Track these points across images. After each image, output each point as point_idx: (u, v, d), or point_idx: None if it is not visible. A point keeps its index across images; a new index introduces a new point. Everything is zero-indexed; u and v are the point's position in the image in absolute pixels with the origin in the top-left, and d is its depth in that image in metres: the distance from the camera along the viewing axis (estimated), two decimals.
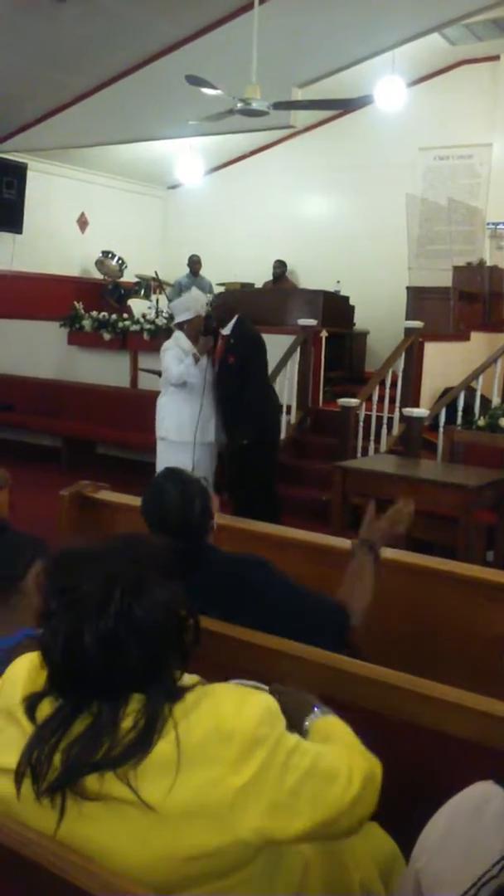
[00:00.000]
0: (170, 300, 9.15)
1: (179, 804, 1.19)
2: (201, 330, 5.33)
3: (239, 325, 5.44)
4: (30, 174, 9.44)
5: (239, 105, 5.56)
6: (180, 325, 5.52)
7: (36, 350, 8.89)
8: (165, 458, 5.35)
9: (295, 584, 2.28)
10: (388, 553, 3.16)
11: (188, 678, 1.33)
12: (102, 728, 1.22)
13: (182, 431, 5.42)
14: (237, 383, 5.34)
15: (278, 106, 5.74)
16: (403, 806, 1.54)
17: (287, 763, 1.25)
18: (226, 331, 5.36)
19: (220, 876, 1.23)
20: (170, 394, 5.49)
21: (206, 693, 1.27)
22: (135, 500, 3.62)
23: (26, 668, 1.34)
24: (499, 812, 1.06)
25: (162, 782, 1.19)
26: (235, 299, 6.20)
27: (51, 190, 10.08)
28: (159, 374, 6.42)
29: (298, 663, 2.02)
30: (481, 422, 6.49)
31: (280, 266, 10.19)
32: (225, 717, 1.23)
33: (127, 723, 1.22)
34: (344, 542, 3.27)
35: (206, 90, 5.58)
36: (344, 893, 1.48)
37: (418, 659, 2.46)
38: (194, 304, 5.55)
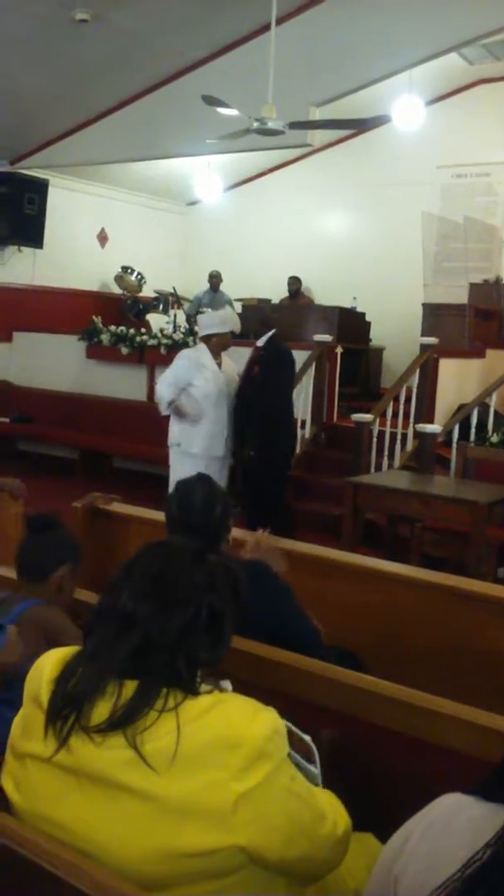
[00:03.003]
0: (188, 315, 9.28)
1: (181, 798, 1.23)
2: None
3: (272, 339, 5.60)
4: (51, 190, 9.57)
5: (255, 124, 5.63)
6: (208, 338, 5.57)
7: (55, 363, 9.01)
8: (176, 466, 5.41)
9: (292, 601, 2.33)
10: (399, 569, 3.19)
11: (205, 687, 1.38)
12: (109, 674, 1.31)
13: (191, 442, 5.48)
14: (257, 395, 5.43)
15: (294, 126, 5.81)
16: (399, 818, 1.57)
17: (289, 787, 1.30)
18: (259, 342, 5.57)
19: (215, 877, 1.26)
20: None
21: (221, 700, 1.32)
22: (146, 512, 3.69)
23: (52, 662, 1.40)
24: (468, 820, 1.08)
25: (166, 773, 1.23)
26: (275, 315, 6.25)
27: (71, 206, 10.21)
28: None
29: (300, 675, 2.05)
30: (494, 438, 6.51)
31: (295, 282, 10.25)
32: (236, 725, 1.27)
33: (131, 687, 1.30)
34: (351, 557, 3.31)
35: (221, 110, 5.66)
36: None
37: (424, 673, 2.48)
38: (230, 321, 5.60)
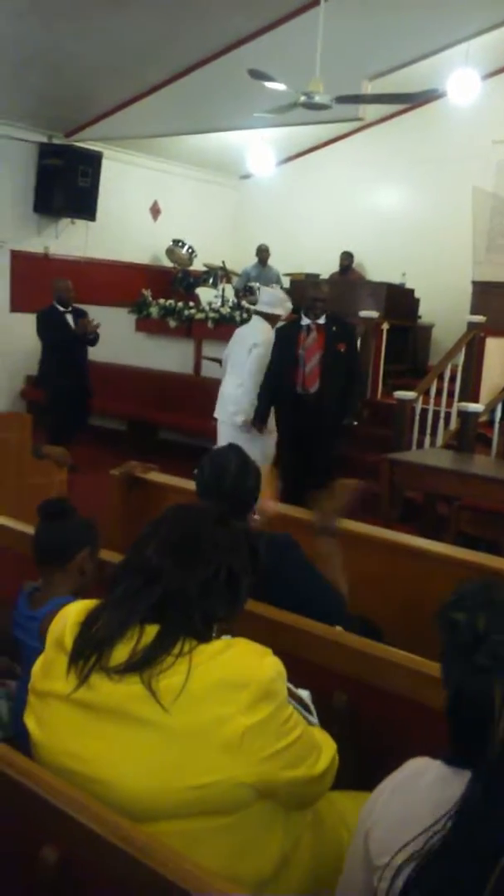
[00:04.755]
0: (236, 289, 9.31)
1: (191, 729, 1.33)
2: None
3: (336, 316, 5.56)
4: (105, 163, 9.64)
5: (302, 98, 5.61)
6: (266, 315, 5.66)
7: (105, 335, 9.11)
8: (252, 443, 5.44)
9: (315, 572, 2.39)
10: (426, 544, 3.22)
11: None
12: (130, 622, 1.42)
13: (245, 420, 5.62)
14: (346, 369, 5.46)
15: (342, 99, 5.78)
16: None
17: (288, 721, 1.42)
18: (320, 321, 5.38)
19: (218, 813, 1.35)
20: (244, 384, 5.62)
21: (231, 644, 1.43)
22: (181, 482, 3.76)
23: (77, 609, 1.52)
24: (431, 782, 1.14)
25: (176, 706, 1.33)
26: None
27: (124, 178, 10.28)
28: (219, 361, 6.57)
29: (315, 640, 2.11)
30: None
31: (347, 258, 10.20)
32: (245, 667, 1.39)
33: (151, 633, 1.40)
34: (379, 531, 3.34)
35: (267, 84, 5.66)
36: (334, 855, 1.58)
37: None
38: (281, 305, 5.72)
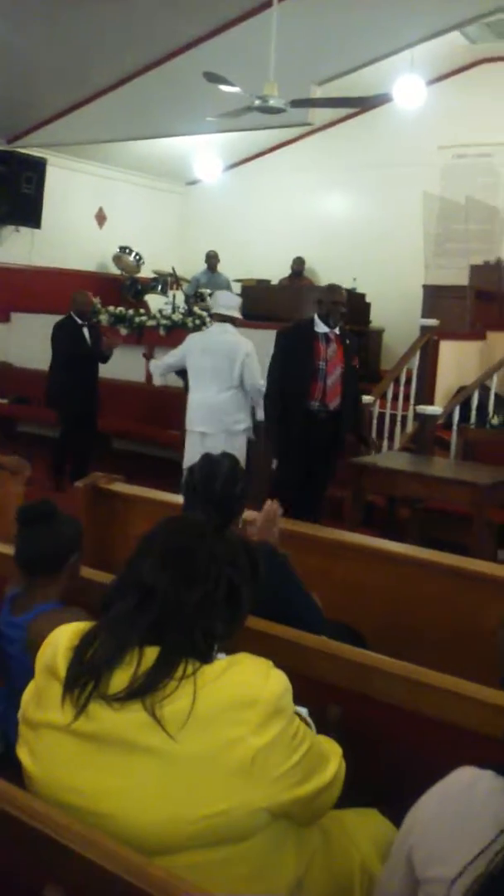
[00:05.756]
0: (187, 296, 9.23)
1: (200, 756, 1.26)
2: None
3: (343, 327, 5.21)
4: (49, 169, 9.50)
5: (256, 102, 5.59)
6: (233, 320, 5.55)
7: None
8: (241, 449, 5.45)
9: (297, 583, 2.35)
10: (404, 549, 3.20)
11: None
12: (127, 645, 1.34)
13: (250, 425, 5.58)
14: (356, 384, 5.24)
15: (296, 103, 5.76)
16: (401, 792, 1.58)
17: (296, 735, 1.36)
18: (336, 331, 4.97)
19: (229, 842, 1.28)
20: (240, 391, 5.49)
21: (234, 661, 1.36)
22: (148, 492, 3.69)
23: (69, 633, 1.42)
24: (487, 792, 1.11)
25: (184, 733, 1.26)
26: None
27: (69, 185, 10.14)
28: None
29: (305, 652, 2.05)
30: (495, 420, 6.51)
31: (298, 263, 10.22)
32: (251, 684, 1.32)
33: (151, 656, 1.32)
34: (357, 538, 3.31)
35: (223, 87, 5.61)
36: (346, 874, 1.52)
37: (427, 651, 2.49)
38: (237, 308, 5.67)
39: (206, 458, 2.46)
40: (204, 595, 1.39)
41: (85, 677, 1.32)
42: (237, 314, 5.58)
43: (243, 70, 6.17)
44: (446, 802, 1.14)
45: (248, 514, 2.61)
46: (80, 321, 6.86)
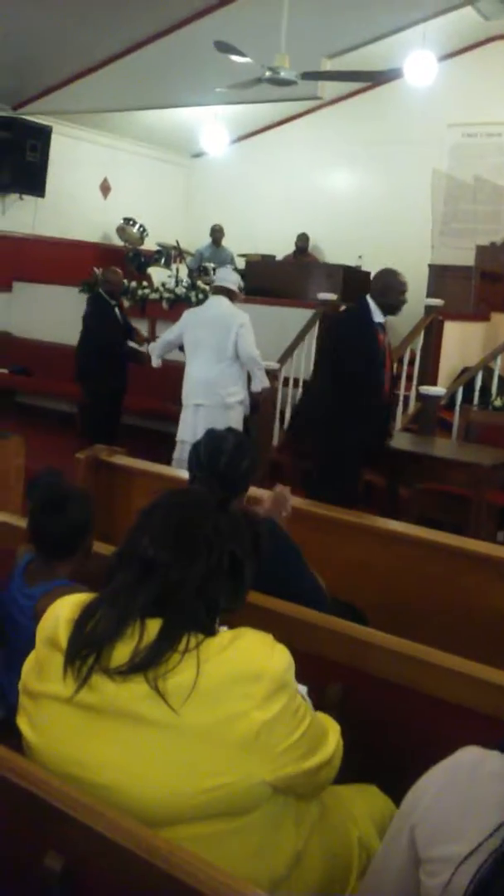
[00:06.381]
0: (190, 269, 9.17)
1: (204, 728, 1.26)
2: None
3: None
4: (54, 137, 9.39)
5: (267, 74, 5.51)
6: (231, 293, 5.53)
7: (55, 315, 8.90)
8: (238, 422, 5.48)
9: (300, 559, 2.35)
10: (406, 529, 3.20)
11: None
12: (129, 618, 1.33)
13: (245, 398, 5.60)
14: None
15: (307, 76, 5.69)
16: (400, 770, 1.59)
17: (299, 711, 1.36)
18: (379, 318, 4.53)
19: (230, 815, 1.29)
20: (235, 363, 5.49)
21: (238, 635, 1.36)
22: (149, 465, 3.69)
23: (70, 604, 1.42)
24: (494, 772, 1.11)
25: (188, 706, 1.26)
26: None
27: (75, 154, 10.03)
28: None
29: (306, 628, 2.06)
30: (498, 402, 6.49)
31: (303, 239, 10.13)
32: (256, 658, 1.32)
33: (153, 629, 1.31)
34: (359, 516, 3.31)
35: (234, 57, 5.53)
36: (344, 849, 1.53)
37: (427, 630, 2.50)
38: (236, 285, 5.64)
39: (211, 434, 2.44)
40: (206, 569, 1.38)
41: (86, 650, 1.32)
42: (234, 287, 5.55)
43: (254, 41, 6.08)
44: (451, 782, 1.14)
45: (256, 491, 2.61)
46: (111, 300, 6.68)
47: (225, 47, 5.49)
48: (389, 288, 4.54)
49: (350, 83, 9.06)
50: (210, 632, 1.36)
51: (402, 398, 6.56)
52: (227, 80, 6.22)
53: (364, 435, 4.45)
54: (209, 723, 1.26)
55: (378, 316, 4.51)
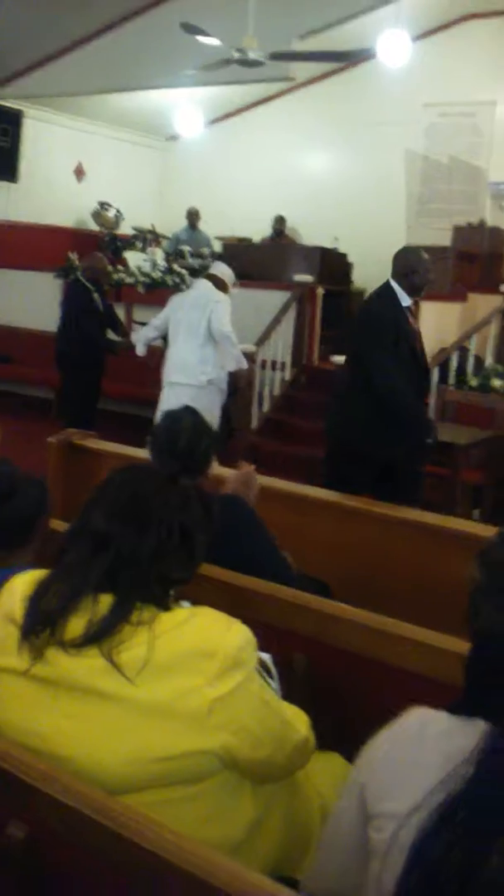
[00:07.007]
0: (166, 253, 9.14)
1: (157, 702, 1.28)
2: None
3: None
4: (26, 122, 9.33)
5: (235, 55, 5.49)
6: (217, 281, 5.52)
7: (30, 301, 8.86)
8: (210, 401, 5.42)
9: (265, 535, 2.36)
10: (374, 506, 3.23)
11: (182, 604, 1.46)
12: (82, 592, 1.34)
13: (221, 380, 5.59)
14: None
15: (275, 56, 5.68)
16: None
17: (259, 694, 1.37)
18: (407, 302, 4.11)
19: (186, 782, 1.31)
20: (209, 343, 5.48)
21: (196, 613, 1.38)
22: (122, 448, 3.69)
23: (25, 581, 1.44)
24: (438, 732, 1.14)
25: (141, 679, 1.28)
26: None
27: (47, 138, 9.95)
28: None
29: (270, 601, 2.08)
30: (473, 382, 6.53)
31: (279, 222, 10.12)
32: (211, 635, 1.33)
33: (106, 602, 1.33)
34: (327, 494, 3.33)
35: (201, 39, 5.51)
36: (305, 814, 1.56)
37: (395, 605, 2.53)
38: (230, 279, 5.62)
39: (167, 415, 2.44)
40: (157, 541, 1.40)
41: (41, 624, 1.34)
42: (221, 276, 5.52)
43: (224, 22, 6.05)
44: (399, 741, 1.17)
45: (222, 470, 2.62)
46: (90, 286, 6.60)
47: (191, 28, 5.47)
48: (413, 267, 4.12)
49: (324, 64, 9.02)
50: (163, 605, 1.38)
51: None
52: (198, 62, 6.20)
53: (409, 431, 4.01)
54: (162, 696, 1.28)
55: (405, 299, 4.10)
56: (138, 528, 1.39)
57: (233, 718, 1.31)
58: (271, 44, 5.93)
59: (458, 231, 8.44)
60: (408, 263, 4.14)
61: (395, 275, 4.14)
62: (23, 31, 7.91)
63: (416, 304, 4.21)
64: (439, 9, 9.18)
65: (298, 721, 1.51)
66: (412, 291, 4.12)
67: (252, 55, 5.52)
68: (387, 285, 4.15)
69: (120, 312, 8.21)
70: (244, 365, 5.67)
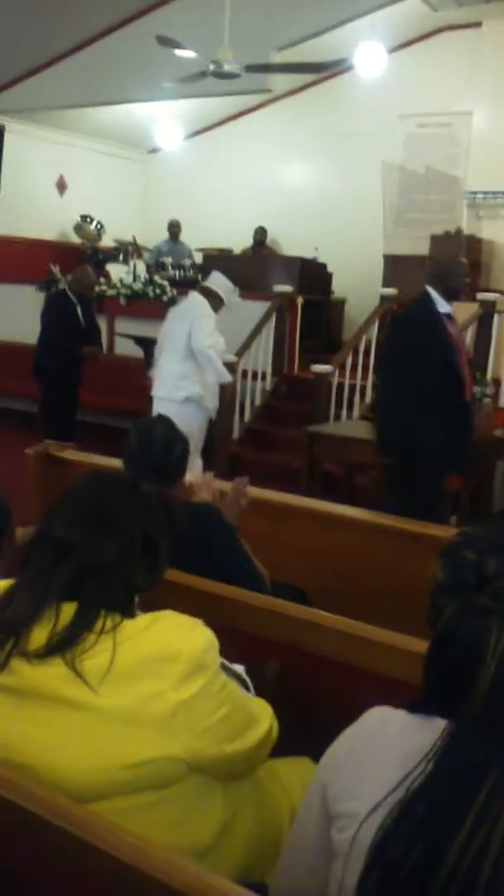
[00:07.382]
0: (148, 265, 9.17)
1: (121, 708, 1.28)
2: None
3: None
4: (7, 136, 9.34)
5: (211, 67, 5.53)
6: (211, 294, 5.40)
7: (12, 314, 8.85)
8: (192, 419, 5.25)
9: (238, 544, 2.37)
10: (348, 511, 3.24)
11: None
12: (45, 602, 1.35)
13: (208, 399, 5.47)
14: None
15: (251, 68, 5.72)
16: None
17: (221, 694, 1.37)
18: (445, 308, 3.94)
19: (154, 788, 1.31)
20: (190, 358, 5.38)
21: (158, 618, 1.38)
22: (100, 459, 3.69)
23: None
24: (397, 731, 1.15)
25: (104, 686, 1.28)
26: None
27: (28, 152, 9.96)
28: (137, 339, 6.40)
29: (243, 608, 2.09)
30: None
31: (260, 233, 10.17)
32: (174, 640, 1.33)
33: (68, 611, 1.34)
34: (303, 500, 3.35)
35: (177, 52, 5.55)
36: (275, 818, 1.57)
37: (372, 610, 2.54)
38: (225, 292, 5.46)
39: (139, 425, 2.44)
40: (120, 549, 1.39)
41: (4, 634, 1.34)
42: (223, 295, 5.41)
43: (202, 35, 6.10)
44: (360, 740, 1.17)
45: (221, 484, 2.63)
46: (74, 299, 6.58)
47: (167, 42, 5.51)
48: (448, 272, 3.96)
49: (302, 76, 9.08)
50: (128, 613, 1.38)
51: (358, 387, 6.63)
52: (175, 75, 6.23)
53: (447, 440, 3.86)
54: (126, 703, 1.28)
55: (444, 306, 3.91)
56: (100, 536, 1.39)
57: (197, 721, 1.32)
58: (249, 56, 5.98)
59: (436, 240, 8.50)
60: (442, 269, 3.97)
61: (429, 281, 3.94)
62: (1, 46, 7.94)
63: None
64: (414, 21, 9.26)
65: (263, 713, 1.51)
66: (449, 296, 3.91)
67: (227, 67, 5.56)
68: (423, 291, 3.94)
69: (102, 324, 8.23)
70: (227, 379, 5.59)
